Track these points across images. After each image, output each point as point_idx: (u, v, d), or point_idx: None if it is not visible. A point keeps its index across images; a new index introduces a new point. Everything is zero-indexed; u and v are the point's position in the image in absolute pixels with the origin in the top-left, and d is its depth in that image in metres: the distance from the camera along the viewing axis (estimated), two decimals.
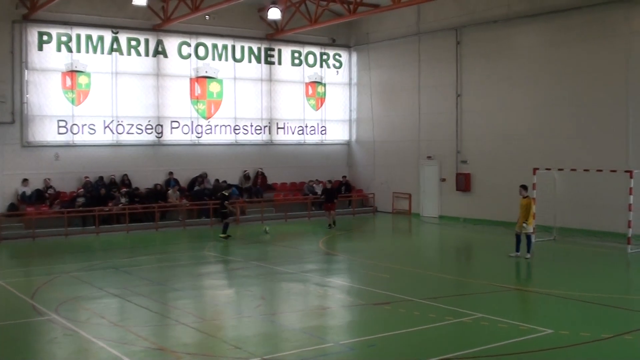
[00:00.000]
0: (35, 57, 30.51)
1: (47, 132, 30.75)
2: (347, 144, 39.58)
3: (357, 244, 28.00)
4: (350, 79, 39.38)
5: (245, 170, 35.74)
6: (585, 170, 25.43)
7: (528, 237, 21.97)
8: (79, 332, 13.88)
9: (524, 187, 22.47)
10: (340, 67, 39.16)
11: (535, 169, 25.82)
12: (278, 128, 37.09)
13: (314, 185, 36.83)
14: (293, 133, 37.64)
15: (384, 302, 16.17)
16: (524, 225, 21.82)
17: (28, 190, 29.94)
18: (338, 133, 39.26)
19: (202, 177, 33.84)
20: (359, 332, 14.19)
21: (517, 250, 22.12)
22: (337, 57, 39.02)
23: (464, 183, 32.66)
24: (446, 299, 16.64)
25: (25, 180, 30.00)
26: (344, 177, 38.30)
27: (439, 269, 21.57)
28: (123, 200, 30.93)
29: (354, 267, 22.36)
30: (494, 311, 14.99)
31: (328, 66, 38.77)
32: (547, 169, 26.23)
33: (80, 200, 30.09)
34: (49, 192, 30.14)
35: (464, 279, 20.03)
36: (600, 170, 24.97)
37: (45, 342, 13.61)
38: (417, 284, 18.80)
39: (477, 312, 14.96)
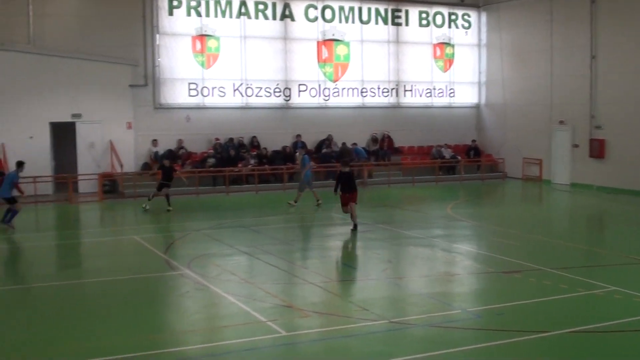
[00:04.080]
0: (166, 22, 31.38)
1: (178, 95, 31.66)
2: (476, 107, 38.76)
3: (486, 210, 27.57)
4: (479, 39, 38.44)
5: (374, 133, 35.64)
6: None
7: None
8: (210, 287, 14.30)
9: None
10: (469, 27, 38.25)
11: None
12: (405, 90, 36.73)
13: (443, 149, 36.36)
14: (421, 96, 37.18)
15: (514, 271, 15.82)
16: None
17: (160, 150, 30.89)
18: (467, 96, 38.49)
19: (329, 140, 33.98)
20: (487, 300, 13.93)
21: None
22: (465, 17, 38.14)
23: (598, 149, 31.45)
24: (578, 269, 16.14)
25: (154, 141, 31.04)
26: (473, 141, 37.62)
27: (571, 238, 20.88)
28: (252, 161, 31.52)
29: (482, 233, 21.97)
30: (628, 284, 14.35)
31: (456, 27, 37.95)
32: None
33: (211, 160, 30.88)
34: (181, 152, 31.02)
35: (597, 249, 19.37)
36: None
37: (178, 295, 14.07)
38: (547, 253, 18.26)
39: (610, 284, 14.37)
